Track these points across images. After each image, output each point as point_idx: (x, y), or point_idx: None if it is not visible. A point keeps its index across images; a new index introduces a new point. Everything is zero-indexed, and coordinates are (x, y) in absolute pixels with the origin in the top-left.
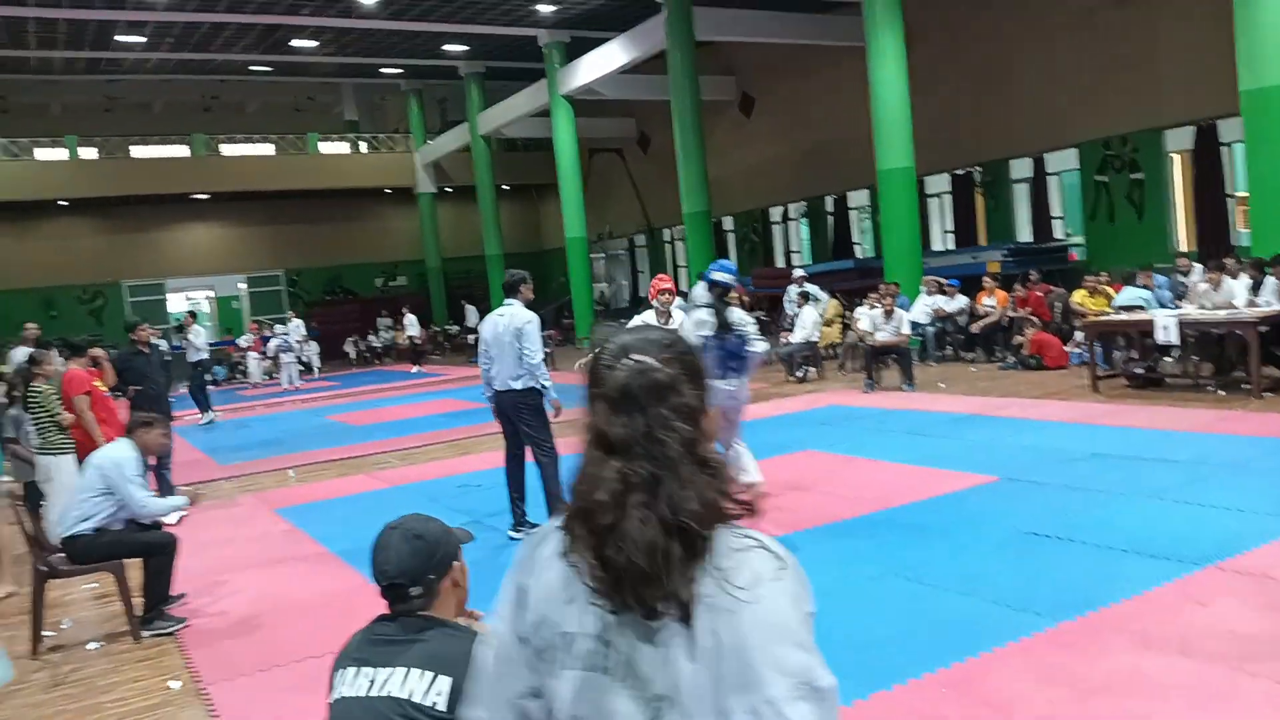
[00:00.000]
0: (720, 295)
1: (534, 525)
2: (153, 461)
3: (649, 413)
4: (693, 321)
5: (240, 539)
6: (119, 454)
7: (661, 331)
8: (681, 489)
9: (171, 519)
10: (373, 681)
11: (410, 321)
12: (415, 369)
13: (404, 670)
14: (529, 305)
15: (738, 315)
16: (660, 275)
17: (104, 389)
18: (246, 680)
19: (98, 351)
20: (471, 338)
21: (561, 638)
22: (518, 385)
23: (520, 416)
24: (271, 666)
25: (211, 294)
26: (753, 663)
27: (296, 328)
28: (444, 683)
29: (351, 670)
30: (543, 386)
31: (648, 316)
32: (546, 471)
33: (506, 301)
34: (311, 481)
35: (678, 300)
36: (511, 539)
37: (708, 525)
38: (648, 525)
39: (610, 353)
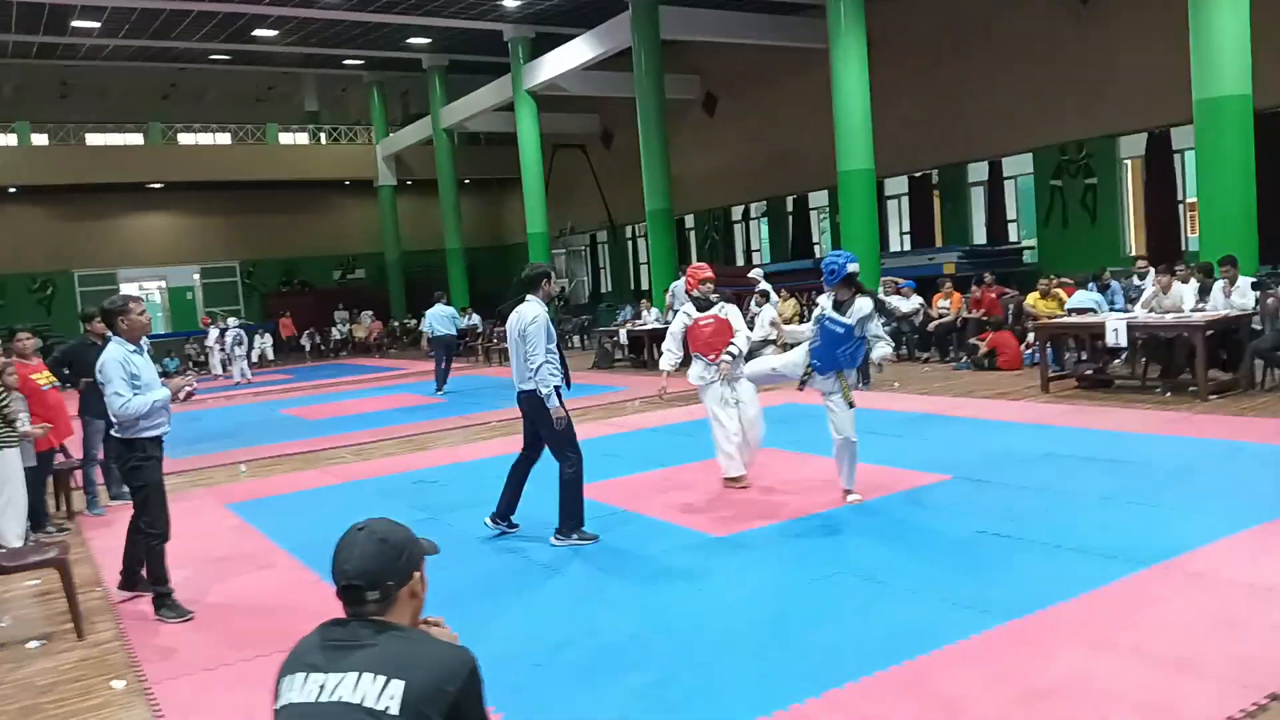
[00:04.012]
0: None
1: (513, 525)
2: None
3: None
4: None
5: (188, 534)
6: (104, 356)
7: None
8: None
9: (182, 394)
10: (323, 687)
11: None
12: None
13: (356, 674)
14: (548, 301)
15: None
16: (697, 264)
17: (42, 383)
18: (192, 679)
19: (21, 343)
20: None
21: None
22: (527, 387)
23: (537, 419)
24: (219, 665)
25: (164, 284)
26: None
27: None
28: (397, 686)
29: (300, 675)
30: (540, 393)
31: (690, 308)
32: (564, 481)
33: (524, 298)
34: (263, 476)
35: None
36: (487, 525)
37: None
38: None
39: None
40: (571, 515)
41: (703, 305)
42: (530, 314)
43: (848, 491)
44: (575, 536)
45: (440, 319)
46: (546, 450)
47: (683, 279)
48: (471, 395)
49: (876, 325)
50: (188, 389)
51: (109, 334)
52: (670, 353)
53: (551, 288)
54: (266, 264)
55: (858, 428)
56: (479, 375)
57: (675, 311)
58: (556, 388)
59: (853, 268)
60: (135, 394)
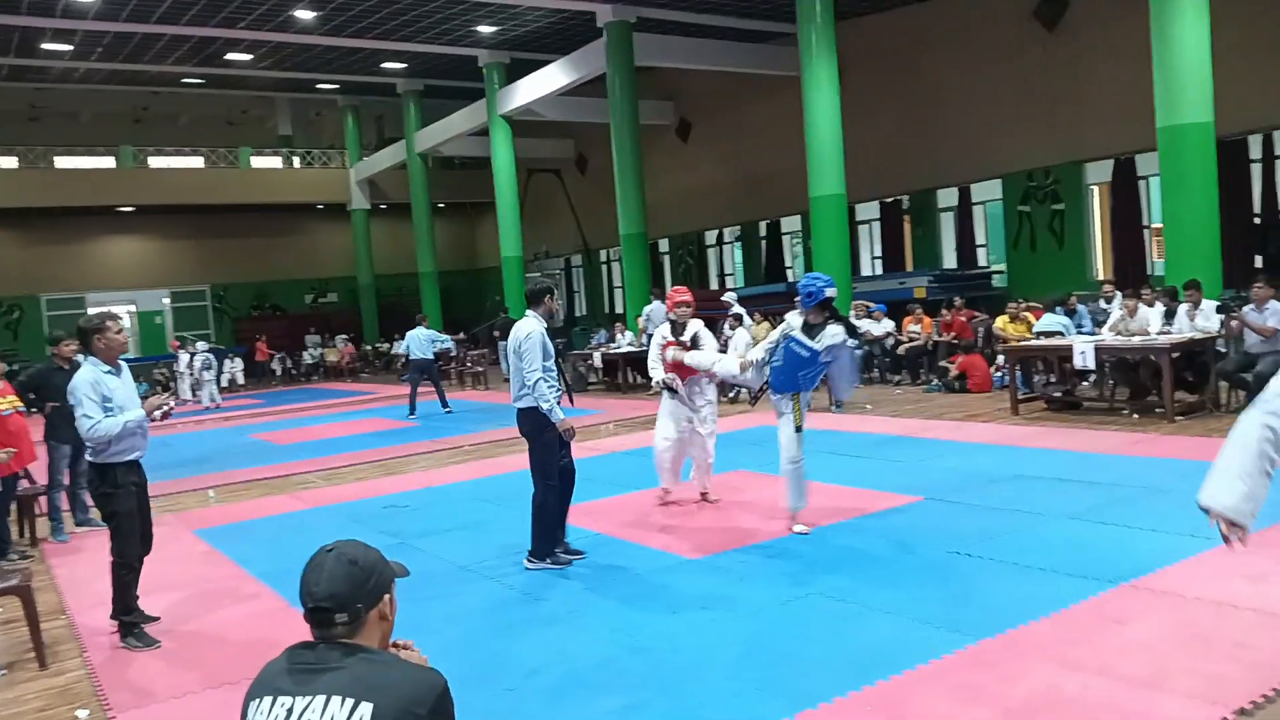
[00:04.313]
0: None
1: (576, 553)
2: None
3: None
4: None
5: (156, 561)
6: (76, 377)
7: None
8: None
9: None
10: (290, 710)
11: None
12: None
13: (324, 698)
14: (550, 318)
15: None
16: (676, 288)
17: (2, 407)
18: (160, 708)
19: None
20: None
21: None
22: (522, 404)
23: (526, 437)
24: (186, 693)
25: (134, 308)
26: None
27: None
28: (366, 709)
29: (268, 699)
30: (541, 407)
31: (664, 330)
32: (537, 505)
33: (526, 313)
34: (232, 502)
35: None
36: (530, 568)
37: None
38: None
39: None
40: (544, 540)
41: (677, 329)
42: (525, 329)
43: (792, 518)
44: (548, 560)
45: (419, 342)
46: (576, 464)
47: (656, 302)
48: (443, 419)
49: (850, 355)
50: (164, 409)
51: (76, 358)
52: (656, 368)
53: (554, 304)
54: (238, 288)
55: (830, 449)
56: (451, 399)
57: (649, 335)
58: (558, 401)
59: (830, 292)
60: (107, 416)
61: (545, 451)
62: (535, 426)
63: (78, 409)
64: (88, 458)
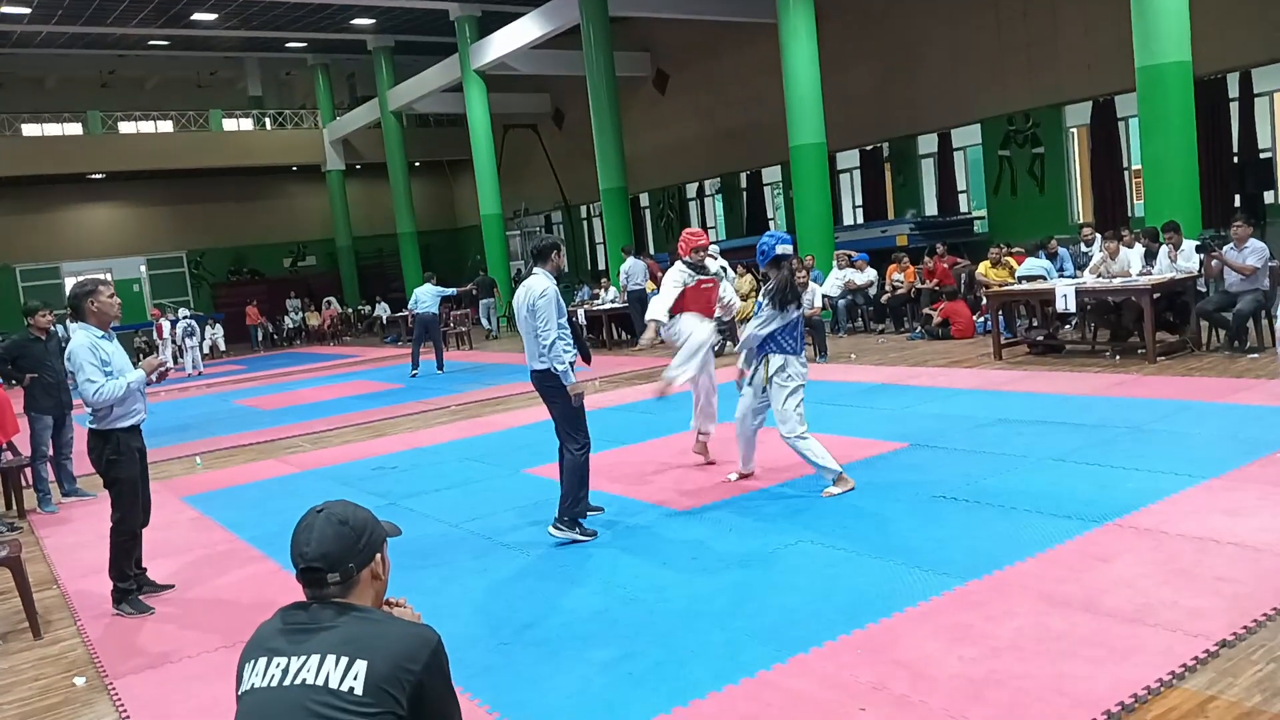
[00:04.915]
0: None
1: (594, 508)
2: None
3: None
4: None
5: (148, 528)
6: (73, 343)
7: None
8: None
9: (155, 375)
10: (285, 670)
11: None
12: None
13: (318, 656)
14: (559, 276)
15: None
16: (692, 230)
17: None
18: (155, 673)
19: None
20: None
21: None
22: (539, 366)
23: (547, 400)
24: (182, 658)
25: (110, 276)
26: None
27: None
28: (360, 665)
29: (263, 660)
30: (555, 369)
31: (676, 275)
32: (569, 465)
33: (533, 270)
34: (220, 468)
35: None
36: (552, 535)
37: None
38: None
39: None
40: (575, 502)
41: (699, 270)
42: (539, 287)
43: (837, 478)
44: (576, 530)
45: (428, 296)
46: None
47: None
48: (430, 380)
49: (756, 325)
50: (162, 369)
51: (53, 327)
52: (659, 306)
53: (562, 260)
54: (215, 253)
55: (815, 398)
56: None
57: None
58: (572, 363)
59: (781, 249)
60: (108, 380)
61: (571, 411)
62: (560, 389)
63: (79, 375)
64: (89, 424)
